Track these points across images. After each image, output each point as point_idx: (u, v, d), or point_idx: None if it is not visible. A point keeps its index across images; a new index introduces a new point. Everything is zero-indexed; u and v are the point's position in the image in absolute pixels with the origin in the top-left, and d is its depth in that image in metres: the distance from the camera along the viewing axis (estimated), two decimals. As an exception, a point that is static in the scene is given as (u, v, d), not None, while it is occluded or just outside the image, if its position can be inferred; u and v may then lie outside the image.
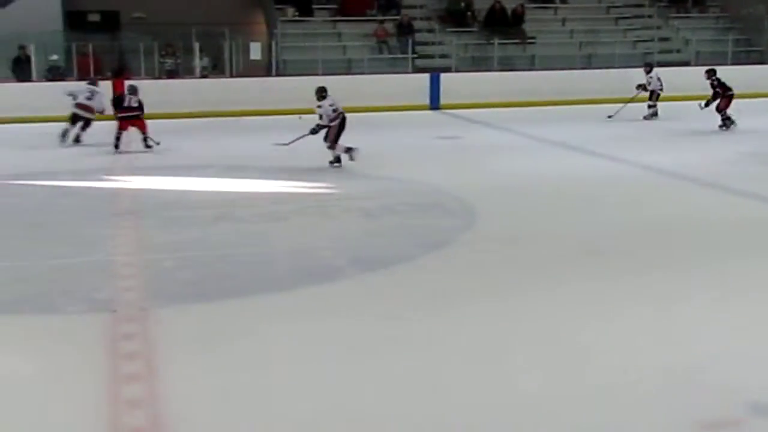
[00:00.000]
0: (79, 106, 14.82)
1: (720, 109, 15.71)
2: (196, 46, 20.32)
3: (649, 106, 17.63)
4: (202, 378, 4.69)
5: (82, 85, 15.44)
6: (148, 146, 13.94)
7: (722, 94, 15.72)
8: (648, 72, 17.80)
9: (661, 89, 17.72)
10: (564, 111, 19.29)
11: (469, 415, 4.23)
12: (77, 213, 9.12)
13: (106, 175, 11.45)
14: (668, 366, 4.79)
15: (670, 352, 5.00)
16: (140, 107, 14.14)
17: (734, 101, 15.68)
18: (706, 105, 15.73)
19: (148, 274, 6.82)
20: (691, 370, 4.73)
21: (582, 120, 17.69)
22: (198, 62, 20.50)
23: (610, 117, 17.34)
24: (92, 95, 14.96)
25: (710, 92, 15.72)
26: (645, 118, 17.37)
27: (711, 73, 15.95)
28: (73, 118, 14.73)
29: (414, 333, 5.40)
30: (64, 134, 14.63)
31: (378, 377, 4.69)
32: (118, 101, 14.49)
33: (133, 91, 14.26)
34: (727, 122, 15.63)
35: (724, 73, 21.69)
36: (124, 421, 4.18)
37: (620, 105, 17.43)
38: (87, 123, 14.82)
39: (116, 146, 13.76)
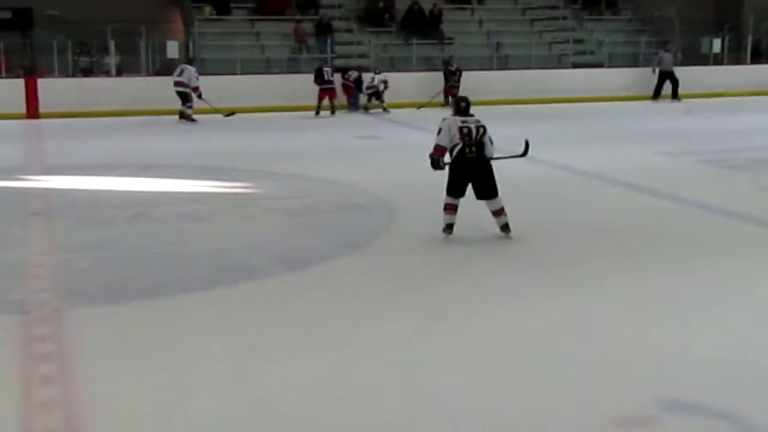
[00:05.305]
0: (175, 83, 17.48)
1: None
2: (112, 43, 19.97)
3: None
4: (118, 379, 4.61)
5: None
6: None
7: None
8: None
9: None
10: (480, 111, 19.43)
11: (391, 412, 4.26)
12: (-12, 213, 8.87)
13: (19, 174, 11.17)
14: (580, 362, 4.90)
15: (586, 348, 5.12)
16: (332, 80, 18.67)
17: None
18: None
19: (61, 274, 6.67)
20: (606, 364, 4.85)
21: (495, 120, 17.86)
22: (113, 60, 20.16)
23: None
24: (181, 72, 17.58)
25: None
26: None
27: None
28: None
29: (334, 332, 5.39)
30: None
31: (298, 377, 4.67)
32: (318, 74, 18.75)
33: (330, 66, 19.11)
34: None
35: (638, 74, 22.39)
36: (39, 424, 4.10)
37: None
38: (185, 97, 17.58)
39: (317, 112, 18.56)
